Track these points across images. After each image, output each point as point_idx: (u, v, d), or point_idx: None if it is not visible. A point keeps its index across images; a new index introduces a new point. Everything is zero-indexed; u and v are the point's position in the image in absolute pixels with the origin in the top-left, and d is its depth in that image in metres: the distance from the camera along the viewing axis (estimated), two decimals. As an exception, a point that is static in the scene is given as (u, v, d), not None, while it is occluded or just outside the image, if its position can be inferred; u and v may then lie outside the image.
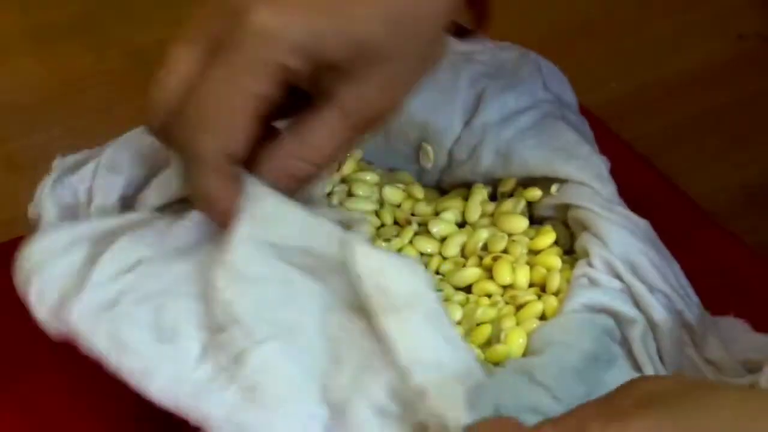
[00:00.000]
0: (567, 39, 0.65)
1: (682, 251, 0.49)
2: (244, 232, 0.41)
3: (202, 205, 0.43)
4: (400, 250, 0.50)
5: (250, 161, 0.43)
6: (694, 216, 0.56)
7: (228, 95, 0.41)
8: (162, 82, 0.42)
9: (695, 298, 0.48)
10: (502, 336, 0.45)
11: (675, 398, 0.35)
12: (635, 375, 0.44)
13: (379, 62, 0.42)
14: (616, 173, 0.51)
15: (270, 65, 0.41)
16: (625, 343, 0.45)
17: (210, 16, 0.42)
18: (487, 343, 0.45)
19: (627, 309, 0.46)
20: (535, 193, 0.51)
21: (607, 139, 0.55)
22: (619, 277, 0.46)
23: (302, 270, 0.42)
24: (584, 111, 0.55)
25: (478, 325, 0.46)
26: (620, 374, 0.44)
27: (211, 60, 0.41)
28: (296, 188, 0.44)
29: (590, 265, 0.47)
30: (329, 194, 0.51)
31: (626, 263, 0.47)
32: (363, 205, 0.51)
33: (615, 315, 0.46)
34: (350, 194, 0.51)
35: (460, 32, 0.51)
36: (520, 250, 0.49)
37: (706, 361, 0.45)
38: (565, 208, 0.50)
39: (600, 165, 0.51)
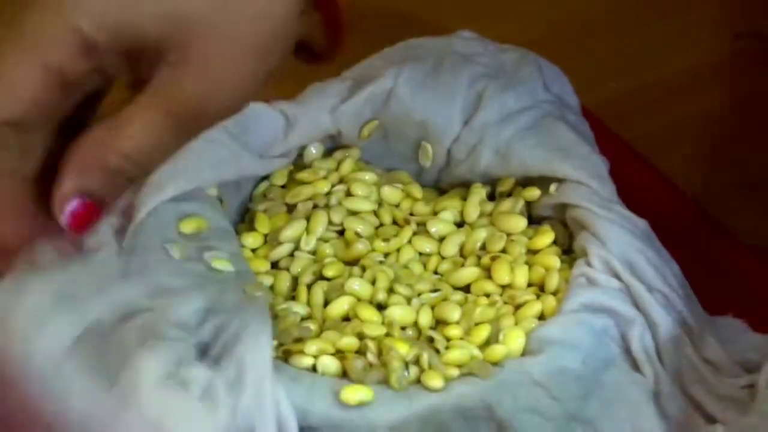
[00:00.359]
0: (566, 39, 0.65)
1: (681, 251, 0.48)
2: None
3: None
4: (398, 250, 0.50)
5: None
6: (693, 216, 0.55)
7: (11, 55, 0.37)
8: None
9: (694, 298, 0.47)
10: (501, 336, 0.45)
11: None
12: (634, 374, 0.44)
13: (202, 42, 0.37)
14: (615, 173, 0.50)
15: (63, 29, 0.37)
16: (624, 343, 0.45)
17: None
18: (486, 343, 0.45)
19: (625, 308, 0.45)
20: (534, 192, 0.51)
21: (607, 139, 0.55)
22: (617, 276, 0.46)
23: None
24: (583, 111, 0.55)
25: (476, 324, 0.46)
26: (619, 374, 0.44)
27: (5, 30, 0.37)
28: (108, 187, 0.39)
29: (589, 264, 0.47)
30: (328, 194, 0.52)
31: (625, 263, 0.46)
32: (362, 204, 0.51)
33: (613, 314, 0.45)
34: (349, 194, 0.51)
35: (309, 55, 0.46)
36: (518, 249, 0.49)
37: (705, 361, 0.45)
38: (564, 207, 0.50)
39: (599, 165, 0.51)
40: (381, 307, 0.47)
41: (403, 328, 0.46)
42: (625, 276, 0.46)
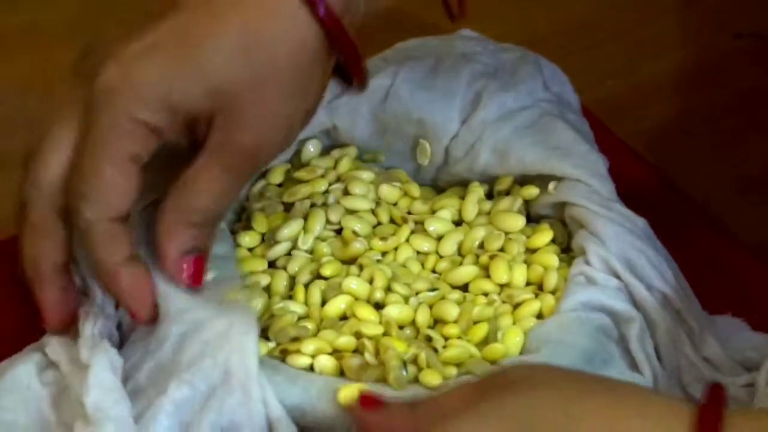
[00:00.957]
0: (566, 38, 0.65)
1: (680, 250, 0.49)
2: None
3: (104, 277, 0.43)
4: (396, 249, 0.50)
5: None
6: (692, 214, 0.55)
7: (99, 160, 0.42)
8: (44, 160, 0.43)
9: (693, 297, 0.48)
10: (499, 335, 0.45)
11: (512, 390, 0.37)
12: (632, 374, 0.44)
13: (240, 101, 0.42)
14: (614, 172, 0.51)
15: (127, 123, 0.42)
16: (623, 342, 0.45)
17: (77, 89, 0.43)
18: (484, 342, 0.45)
19: (624, 307, 0.45)
20: (532, 191, 0.51)
21: (605, 137, 0.55)
22: (616, 275, 0.46)
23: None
24: (583, 109, 0.55)
25: (475, 323, 0.46)
26: (617, 373, 0.44)
27: (84, 130, 0.43)
28: (200, 239, 0.44)
29: (587, 263, 0.47)
30: (325, 192, 0.51)
31: (624, 261, 0.46)
32: (359, 203, 0.51)
33: (612, 313, 0.45)
34: (347, 192, 0.51)
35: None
36: (517, 248, 0.49)
37: (704, 360, 0.46)
38: (563, 206, 0.50)
39: (599, 163, 0.51)
40: (378, 306, 0.47)
41: (401, 327, 0.46)
42: (624, 275, 0.46)
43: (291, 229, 0.49)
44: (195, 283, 0.44)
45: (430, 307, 0.47)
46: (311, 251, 0.50)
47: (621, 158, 0.53)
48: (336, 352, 0.45)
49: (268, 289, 0.48)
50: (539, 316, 0.46)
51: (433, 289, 0.48)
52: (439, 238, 0.50)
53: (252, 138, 0.43)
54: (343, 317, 0.47)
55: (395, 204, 0.52)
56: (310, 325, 0.46)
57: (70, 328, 0.45)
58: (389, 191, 0.52)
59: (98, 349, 0.43)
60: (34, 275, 0.44)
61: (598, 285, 0.46)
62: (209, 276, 0.45)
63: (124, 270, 0.43)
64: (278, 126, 0.43)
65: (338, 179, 0.52)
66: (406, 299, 0.47)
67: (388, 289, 0.47)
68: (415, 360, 0.44)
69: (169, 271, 0.44)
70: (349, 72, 0.47)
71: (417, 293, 0.47)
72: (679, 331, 0.46)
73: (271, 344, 0.45)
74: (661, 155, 0.59)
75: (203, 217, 0.44)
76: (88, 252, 0.43)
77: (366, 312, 0.46)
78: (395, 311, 0.46)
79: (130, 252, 0.43)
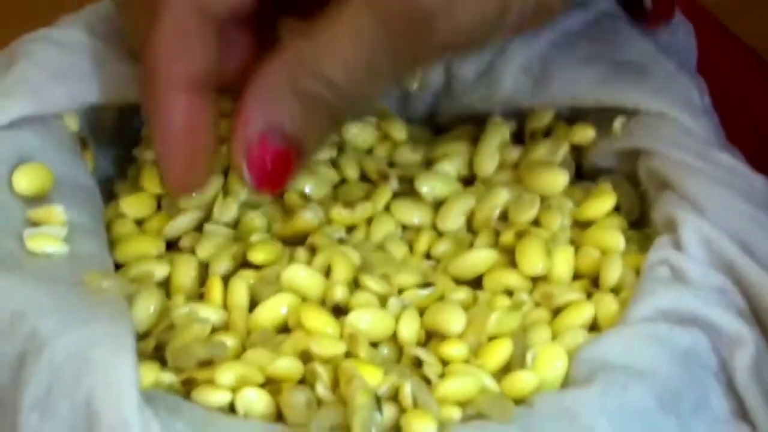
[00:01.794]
0: None
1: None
2: None
3: (150, 99, 0.46)
4: (370, 221, 0.51)
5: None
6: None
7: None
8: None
9: None
10: (529, 357, 0.45)
11: None
12: (738, 424, 0.45)
13: None
14: (717, 101, 0.52)
15: None
16: (725, 374, 0.45)
17: None
18: (505, 368, 0.45)
19: (731, 320, 0.45)
20: (586, 132, 0.51)
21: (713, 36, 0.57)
22: (722, 266, 0.46)
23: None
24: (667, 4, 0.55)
25: (490, 339, 0.46)
26: (714, 420, 0.44)
27: None
28: (306, 124, 0.45)
29: (676, 246, 0.47)
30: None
31: (737, 243, 0.46)
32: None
33: (711, 329, 0.45)
34: None
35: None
36: (559, 220, 0.49)
37: None
38: (635, 155, 0.50)
39: (690, 88, 0.51)
40: (339, 310, 0.47)
41: (375, 345, 0.46)
42: (736, 265, 0.46)
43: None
44: (261, 181, 0.45)
45: (422, 312, 0.47)
46: (234, 225, 0.50)
47: (729, 72, 0.55)
48: (270, 383, 0.44)
49: (165, 284, 0.49)
50: (593, 327, 0.47)
51: (427, 285, 0.48)
52: (438, 205, 0.51)
53: None
54: (284, 329, 0.47)
55: (369, 151, 0.53)
56: (230, 341, 0.46)
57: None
58: (359, 132, 0.52)
59: None
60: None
61: (690, 283, 0.46)
62: (62, 249, 0.46)
63: (183, 96, 0.45)
64: None
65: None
66: (383, 300, 0.47)
67: (355, 285, 0.48)
68: (395, 396, 0.44)
69: (234, 148, 0.45)
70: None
71: (400, 291, 0.48)
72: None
73: (168, 372, 0.45)
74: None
75: (325, 92, 0.44)
76: (141, 55, 0.45)
77: (319, 320, 0.46)
78: (365, 319, 0.46)
79: (200, 78, 0.45)
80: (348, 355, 0.45)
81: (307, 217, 0.49)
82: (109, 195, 0.51)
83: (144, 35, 0.46)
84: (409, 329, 0.46)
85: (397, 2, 0.43)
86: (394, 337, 0.46)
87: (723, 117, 0.52)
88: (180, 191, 0.48)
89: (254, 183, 0.45)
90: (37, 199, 0.47)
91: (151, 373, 0.44)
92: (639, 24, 0.53)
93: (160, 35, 0.45)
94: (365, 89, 0.45)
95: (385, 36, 0.43)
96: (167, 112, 0.46)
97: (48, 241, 0.46)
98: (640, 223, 0.50)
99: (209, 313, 0.47)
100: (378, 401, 0.43)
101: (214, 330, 0.46)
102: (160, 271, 0.48)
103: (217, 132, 0.47)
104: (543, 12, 0.45)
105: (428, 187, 0.50)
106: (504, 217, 0.50)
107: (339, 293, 0.47)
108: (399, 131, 0.52)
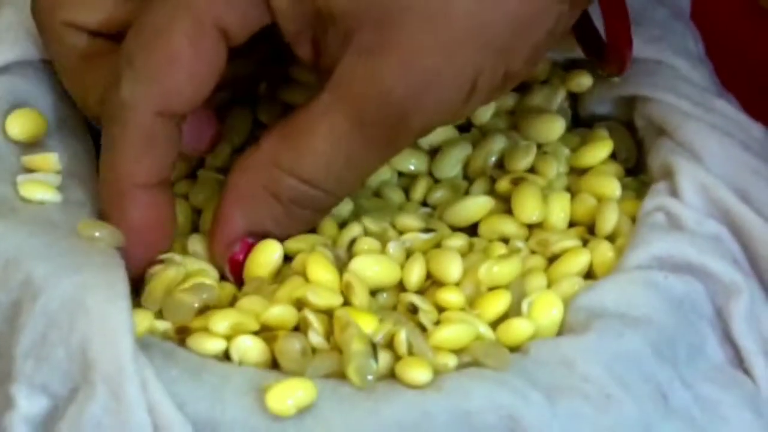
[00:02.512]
0: None
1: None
2: None
3: (110, 197, 0.46)
4: None
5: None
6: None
7: (169, 18, 0.43)
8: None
9: None
10: (525, 304, 0.45)
11: None
12: (734, 372, 0.45)
13: (407, 22, 0.42)
14: (711, 47, 0.53)
15: None
16: (721, 322, 0.46)
17: None
18: (502, 316, 0.45)
19: (727, 268, 0.45)
20: (583, 79, 0.52)
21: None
22: (719, 213, 0.47)
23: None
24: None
25: (489, 289, 0.46)
26: (710, 368, 0.44)
27: None
28: (285, 223, 0.45)
29: (672, 192, 0.47)
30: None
31: (734, 191, 0.47)
32: (300, 92, 0.50)
33: (707, 276, 0.46)
34: (289, 78, 0.52)
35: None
36: (555, 167, 0.49)
37: None
38: (631, 102, 0.51)
39: (685, 36, 0.52)
40: (336, 257, 0.47)
41: (373, 293, 0.46)
42: (733, 212, 0.46)
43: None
44: (237, 273, 0.46)
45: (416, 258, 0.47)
46: (227, 169, 0.49)
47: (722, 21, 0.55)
48: (265, 331, 0.44)
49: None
50: (589, 275, 0.47)
51: (428, 231, 0.48)
52: (434, 152, 0.51)
53: (409, 82, 0.43)
54: (276, 275, 0.47)
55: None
56: (223, 289, 0.46)
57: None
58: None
59: None
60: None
61: (686, 230, 0.46)
62: (56, 197, 0.46)
63: (145, 195, 0.45)
64: (453, 79, 0.43)
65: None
66: (383, 245, 0.47)
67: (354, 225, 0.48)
68: (390, 343, 0.43)
69: (215, 243, 0.46)
70: (609, 40, 0.48)
71: (401, 234, 0.48)
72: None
73: (162, 320, 0.45)
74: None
75: (305, 190, 0.44)
76: (103, 156, 0.45)
77: (316, 266, 0.46)
78: (363, 264, 0.46)
79: (163, 174, 0.45)
80: (344, 303, 0.45)
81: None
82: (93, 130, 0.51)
83: (93, 110, 0.47)
84: (408, 274, 0.46)
85: (368, 95, 0.43)
86: (390, 283, 0.46)
87: (717, 64, 0.52)
88: (141, 272, 0.47)
89: (235, 278, 0.46)
90: (31, 145, 0.47)
91: (145, 321, 0.44)
92: (599, 66, 0.52)
93: (125, 143, 0.45)
94: (346, 182, 0.45)
95: (360, 130, 0.44)
96: (130, 209, 0.46)
97: (42, 188, 0.46)
98: (636, 170, 0.50)
99: (202, 260, 0.47)
100: (373, 348, 0.43)
101: (207, 277, 0.46)
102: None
103: (176, 223, 0.47)
104: (509, 81, 0.45)
105: (422, 133, 0.51)
106: (500, 164, 0.50)
107: (342, 237, 0.47)
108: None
